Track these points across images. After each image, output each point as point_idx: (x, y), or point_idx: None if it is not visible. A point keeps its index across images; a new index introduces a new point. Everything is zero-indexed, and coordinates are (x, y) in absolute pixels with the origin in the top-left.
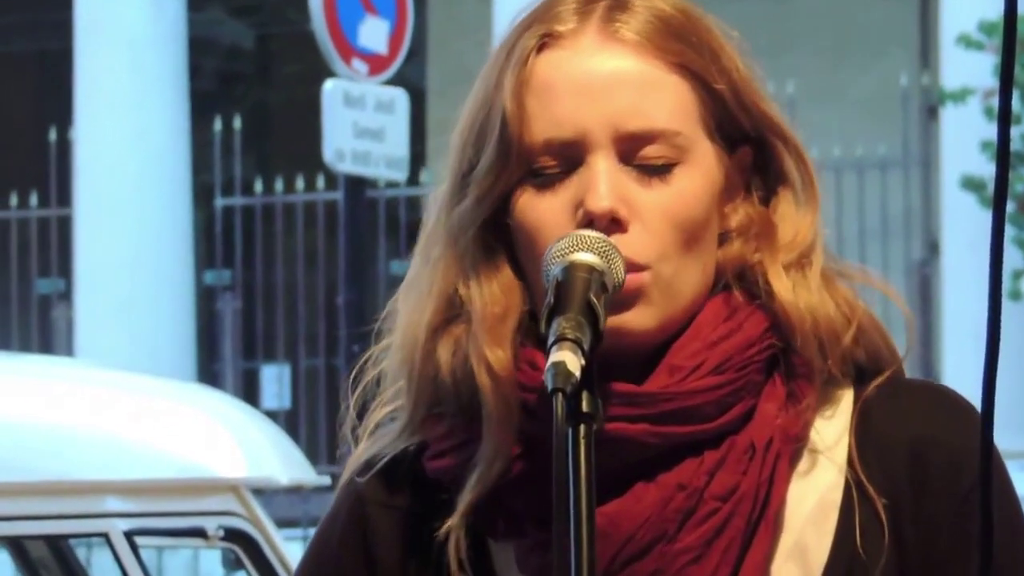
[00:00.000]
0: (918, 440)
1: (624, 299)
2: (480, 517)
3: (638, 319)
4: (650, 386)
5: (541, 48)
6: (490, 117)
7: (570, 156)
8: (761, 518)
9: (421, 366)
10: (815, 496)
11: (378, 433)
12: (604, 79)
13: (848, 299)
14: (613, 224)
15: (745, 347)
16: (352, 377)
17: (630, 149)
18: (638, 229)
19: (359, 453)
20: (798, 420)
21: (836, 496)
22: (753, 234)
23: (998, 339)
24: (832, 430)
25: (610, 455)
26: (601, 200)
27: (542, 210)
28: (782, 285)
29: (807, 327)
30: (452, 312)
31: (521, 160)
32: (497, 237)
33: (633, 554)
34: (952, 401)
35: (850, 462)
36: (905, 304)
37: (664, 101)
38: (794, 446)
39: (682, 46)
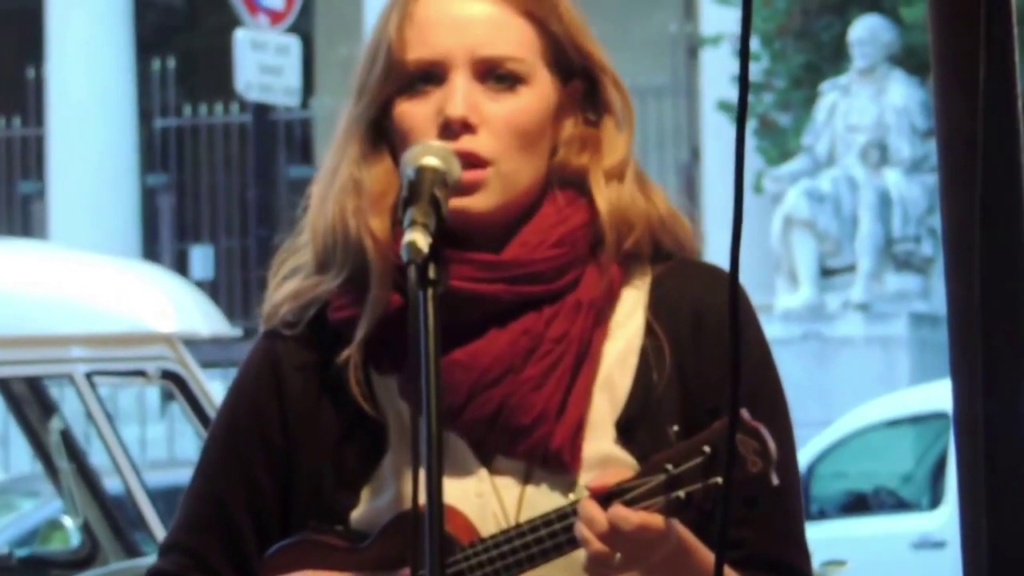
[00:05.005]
0: (698, 302)
1: (467, 188)
2: (370, 354)
3: (478, 203)
4: (506, 256)
5: None
6: (379, 46)
7: (436, 74)
8: (585, 357)
9: (332, 232)
10: (622, 343)
11: (285, 288)
12: (466, 18)
13: (660, 198)
14: (465, 127)
15: (575, 230)
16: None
17: (484, 71)
18: (485, 132)
19: (273, 302)
20: (611, 287)
21: (636, 343)
22: (578, 147)
23: (740, 221)
24: (636, 296)
25: (472, 308)
26: (457, 108)
27: (413, 115)
28: (599, 189)
29: (615, 219)
30: (352, 191)
31: (400, 75)
32: (382, 136)
33: (488, 382)
34: (723, 276)
35: (647, 318)
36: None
37: (511, 37)
38: (609, 306)
39: None
